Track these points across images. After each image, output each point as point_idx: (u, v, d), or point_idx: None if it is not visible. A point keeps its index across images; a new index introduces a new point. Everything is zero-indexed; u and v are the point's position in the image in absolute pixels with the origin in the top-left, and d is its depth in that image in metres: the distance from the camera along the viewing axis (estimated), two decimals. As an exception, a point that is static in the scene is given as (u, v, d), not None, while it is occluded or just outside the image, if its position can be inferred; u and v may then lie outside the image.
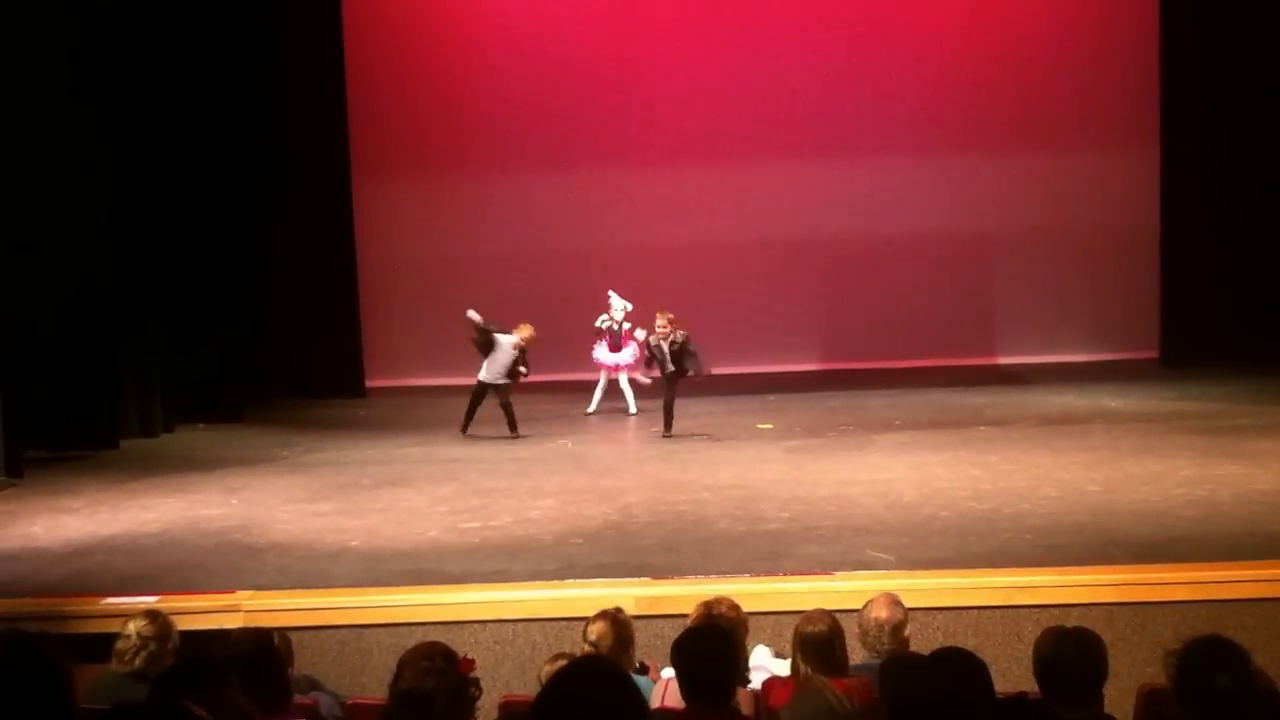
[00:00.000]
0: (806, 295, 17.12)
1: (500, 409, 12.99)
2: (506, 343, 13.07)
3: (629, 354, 14.13)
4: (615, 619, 6.09)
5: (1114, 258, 16.74)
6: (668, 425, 12.92)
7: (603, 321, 14.36)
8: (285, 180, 16.00)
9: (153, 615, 6.25)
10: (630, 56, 16.99)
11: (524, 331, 13.15)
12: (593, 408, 14.41)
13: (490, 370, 13.09)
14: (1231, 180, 15.99)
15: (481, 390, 13.12)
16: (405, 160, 16.97)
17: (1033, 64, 16.67)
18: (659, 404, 13.15)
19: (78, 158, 12.95)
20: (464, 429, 13.15)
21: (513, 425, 12.99)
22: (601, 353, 14.38)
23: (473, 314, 13.12)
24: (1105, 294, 16.79)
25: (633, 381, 14.19)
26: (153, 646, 6.02)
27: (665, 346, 12.82)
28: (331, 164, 16.43)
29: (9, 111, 12.36)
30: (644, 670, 6.13)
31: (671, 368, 12.83)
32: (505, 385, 13.05)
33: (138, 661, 6.00)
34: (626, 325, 14.18)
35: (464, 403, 13.25)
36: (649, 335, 13.08)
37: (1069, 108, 16.66)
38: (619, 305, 14.28)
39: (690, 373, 12.83)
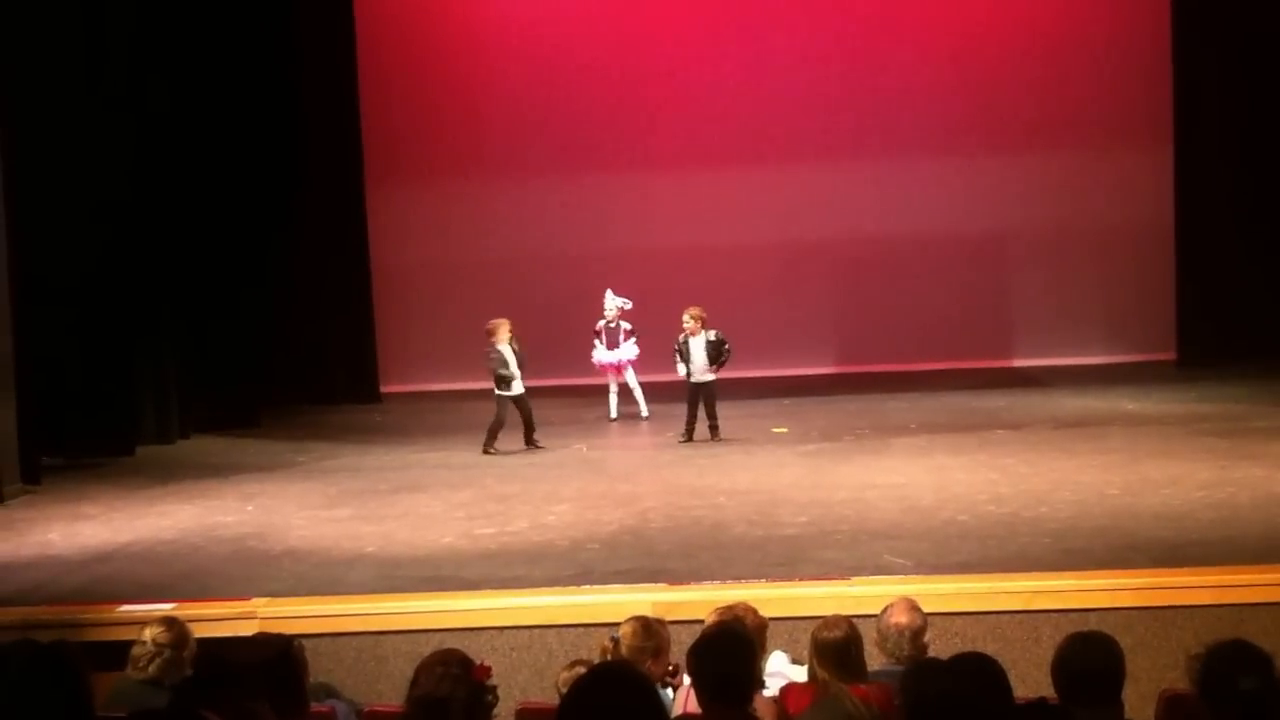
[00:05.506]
0: (821, 298, 17.08)
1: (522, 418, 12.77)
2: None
3: (624, 351, 13.91)
4: (646, 624, 6.04)
5: (1130, 259, 16.66)
6: (688, 431, 12.70)
7: (602, 322, 14.07)
8: (299, 187, 16.04)
9: (170, 622, 6.25)
10: (641, 60, 16.97)
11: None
12: (614, 413, 14.18)
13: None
14: (1247, 179, 15.89)
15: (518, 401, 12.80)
16: (418, 166, 16.98)
17: (1045, 63, 16.60)
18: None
19: (93, 166, 13.00)
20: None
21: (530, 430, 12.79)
22: (598, 352, 14.10)
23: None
24: (1122, 296, 16.70)
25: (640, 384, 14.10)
26: (169, 653, 6.02)
27: (691, 343, 12.61)
28: (345, 170, 16.46)
29: (24, 120, 12.37)
30: (675, 671, 6.09)
31: (690, 367, 12.60)
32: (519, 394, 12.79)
33: (154, 669, 6.00)
34: (625, 325, 13.90)
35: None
36: (680, 335, 12.85)
37: (1082, 107, 16.59)
38: (612, 304, 13.97)
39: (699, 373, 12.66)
